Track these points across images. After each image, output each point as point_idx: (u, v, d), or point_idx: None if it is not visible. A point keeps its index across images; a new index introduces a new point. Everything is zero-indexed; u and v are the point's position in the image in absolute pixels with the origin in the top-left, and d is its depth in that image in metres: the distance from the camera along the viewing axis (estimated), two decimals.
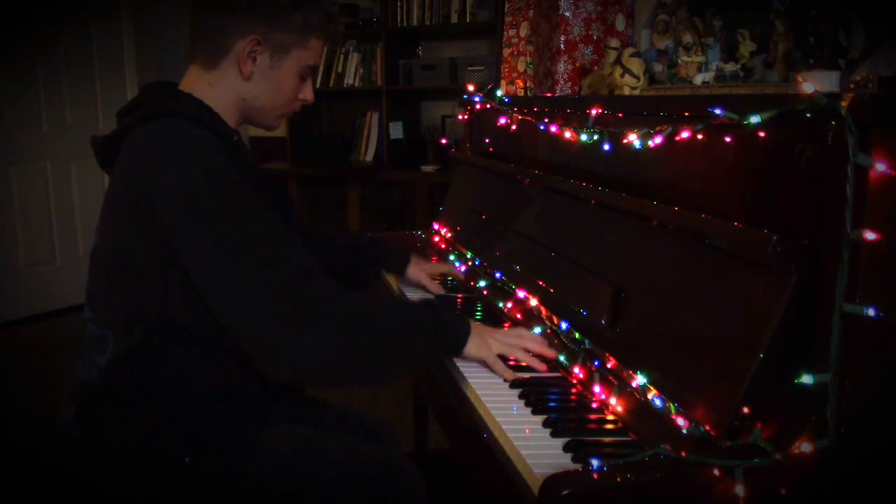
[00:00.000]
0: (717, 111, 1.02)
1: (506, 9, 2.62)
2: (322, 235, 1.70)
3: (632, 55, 1.81)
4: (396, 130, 4.31)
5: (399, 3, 4.19)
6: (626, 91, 1.81)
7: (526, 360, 1.25)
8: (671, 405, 0.98)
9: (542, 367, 1.25)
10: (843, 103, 0.82)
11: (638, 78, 1.80)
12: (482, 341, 1.23)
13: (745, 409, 0.89)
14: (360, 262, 1.75)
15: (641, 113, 1.30)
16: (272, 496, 1.21)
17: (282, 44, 1.23)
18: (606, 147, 1.35)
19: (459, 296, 1.73)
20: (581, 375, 1.19)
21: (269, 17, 1.21)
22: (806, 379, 0.85)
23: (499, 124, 1.91)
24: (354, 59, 4.47)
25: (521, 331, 1.30)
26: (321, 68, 4.56)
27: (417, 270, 1.76)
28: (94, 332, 1.22)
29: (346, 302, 1.09)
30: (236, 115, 1.28)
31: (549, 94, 2.22)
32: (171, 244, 1.08)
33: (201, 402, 1.20)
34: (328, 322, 1.05)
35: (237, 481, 1.21)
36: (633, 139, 1.22)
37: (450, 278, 1.85)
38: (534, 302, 1.43)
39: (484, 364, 1.24)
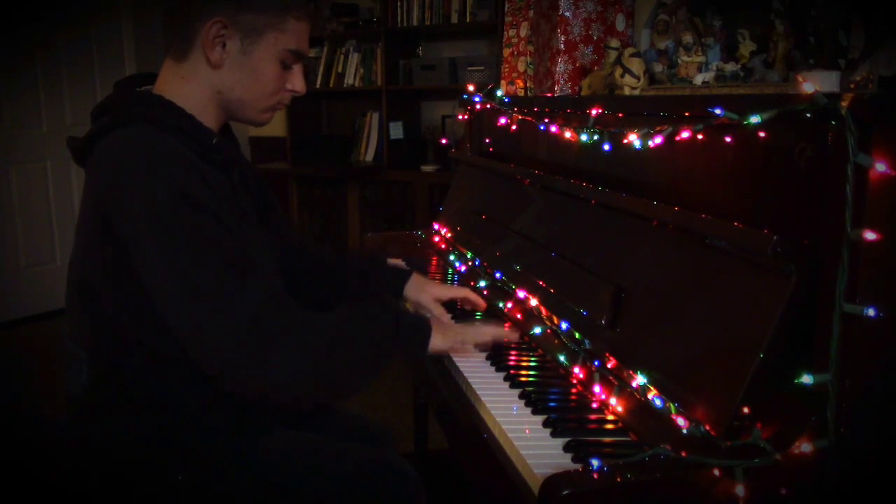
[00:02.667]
0: (717, 111, 1.02)
1: (506, 9, 2.62)
2: (309, 257, 1.53)
3: (632, 55, 1.81)
4: (396, 130, 4.31)
5: (399, 3, 4.18)
6: (626, 91, 1.80)
7: (484, 347, 1.32)
8: (671, 405, 0.98)
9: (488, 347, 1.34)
10: (843, 103, 0.82)
11: (638, 78, 1.80)
12: (442, 336, 1.26)
13: (746, 409, 0.89)
14: (351, 291, 1.54)
15: (641, 113, 1.30)
16: None
17: (253, 26, 1.12)
18: (606, 147, 1.35)
19: None
20: (581, 375, 1.19)
21: None
22: (806, 379, 0.85)
23: (499, 124, 1.91)
24: (354, 59, 4.47)
25: (479, 325, 1.37)
26: (321, 68, 4.56)
27: (417, 290, 1.54)
28: (70, 350, 1.18)
29: (310, 323, 1.08)
30: (215, 111, 1.18)
31: (549, 94, 2.22)
32: (135, 268, 1.04)
33: (191, 415, 1.17)
34: (293, 346, 1.04)
35: (233, 493, 1.18)
36: (633, 139, 1.22)
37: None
38: (534, 302, 1.43)
39: (450, 352, 1.31)
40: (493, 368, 1.28)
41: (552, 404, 1.13)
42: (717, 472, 0.84)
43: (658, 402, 1.00)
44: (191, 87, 1.16)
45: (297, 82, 1.21)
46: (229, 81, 1.15)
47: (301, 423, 1.37)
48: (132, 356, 1.13)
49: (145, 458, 1.16)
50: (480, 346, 1.33)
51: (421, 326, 1.24)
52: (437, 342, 1.24)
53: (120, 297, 1.10)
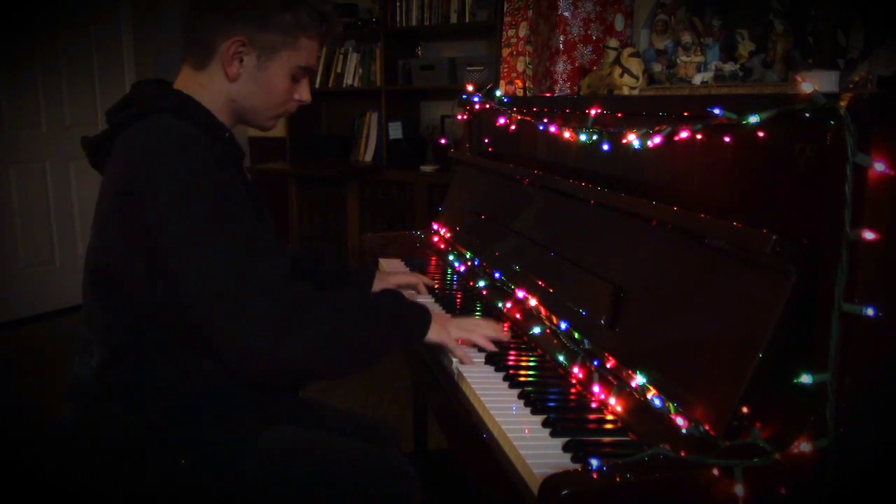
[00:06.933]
0: (717, 111, 1.02)
1: (505, 9, 2.62)
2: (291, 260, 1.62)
3: (631, 55, 1.81)
4: (396, 130, 4.31)
5: (398, 3, 4.18)
6: (626, 91, 1.80)
7: (482, 343, 1.33)
8: (670, 405, 0.98)
9: (492, 348, 1.34)
10: (842, 103, 0.82)
11: (637, 78, 1.80)
12: (441, 327, 1.31)
13: (745, 409, 0.89)
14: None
15: (640, 113, 1.30)
16: (268, 498, 1.20)
17: (269, 44, 1.21)
18: (606, 147, 1.35)
19: (459, 294, 1.73)
20: (580, 375, 1.19)
21: (255, 18, 1.20)
22: (805, 379, 0.85)
23: (498, 124, 1.91)
24: (353, 59, 4.47)
25: (479, 320, 1.41)
26: (320, 68, 4.56)
27: (381, 282, 1.71)
28: (83, 335, 1.23)
29: (322, 303, 1.16)
30: (229, 115, 1.27)
31: (548, 94, 2.22)
32: (155, 247, 1.08)
33: (196, 402, 1.20)
34: (307, 323, 1.10)
35: (233, 482, 1.20)
36: (633, 139, 1.22)
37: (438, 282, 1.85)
38: (533, 302, 1.43)
39: (443, 347, 1.32)
40: (492, 368, 1.28)
41: (551, 404, 1.13)
42: (716, 471, 0.84)
43: (657, 402, 1.00)
44: (208, 93, 1.23)
45: (304, 93, 1.31)
46: (244, 92, 1.24)
47: (305, 420, 1.38)
48: (142, 336, 1.16)
49: (150, 442, 1.18)
50: (479, 346, 1.35)
51: (422, 315, 1.29)
52: (433, 334, 1.29)
53: (137, 279, 1.13)
